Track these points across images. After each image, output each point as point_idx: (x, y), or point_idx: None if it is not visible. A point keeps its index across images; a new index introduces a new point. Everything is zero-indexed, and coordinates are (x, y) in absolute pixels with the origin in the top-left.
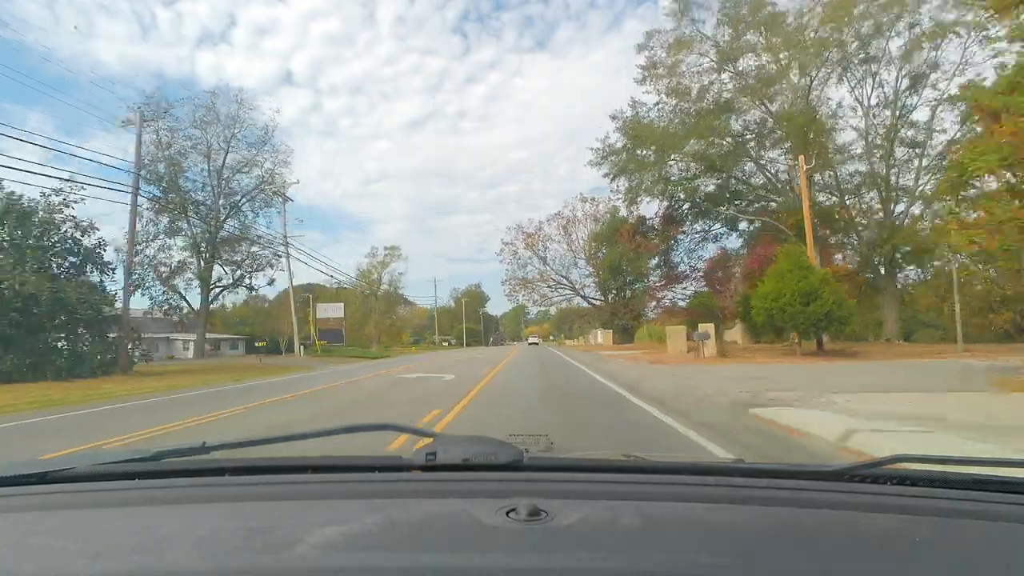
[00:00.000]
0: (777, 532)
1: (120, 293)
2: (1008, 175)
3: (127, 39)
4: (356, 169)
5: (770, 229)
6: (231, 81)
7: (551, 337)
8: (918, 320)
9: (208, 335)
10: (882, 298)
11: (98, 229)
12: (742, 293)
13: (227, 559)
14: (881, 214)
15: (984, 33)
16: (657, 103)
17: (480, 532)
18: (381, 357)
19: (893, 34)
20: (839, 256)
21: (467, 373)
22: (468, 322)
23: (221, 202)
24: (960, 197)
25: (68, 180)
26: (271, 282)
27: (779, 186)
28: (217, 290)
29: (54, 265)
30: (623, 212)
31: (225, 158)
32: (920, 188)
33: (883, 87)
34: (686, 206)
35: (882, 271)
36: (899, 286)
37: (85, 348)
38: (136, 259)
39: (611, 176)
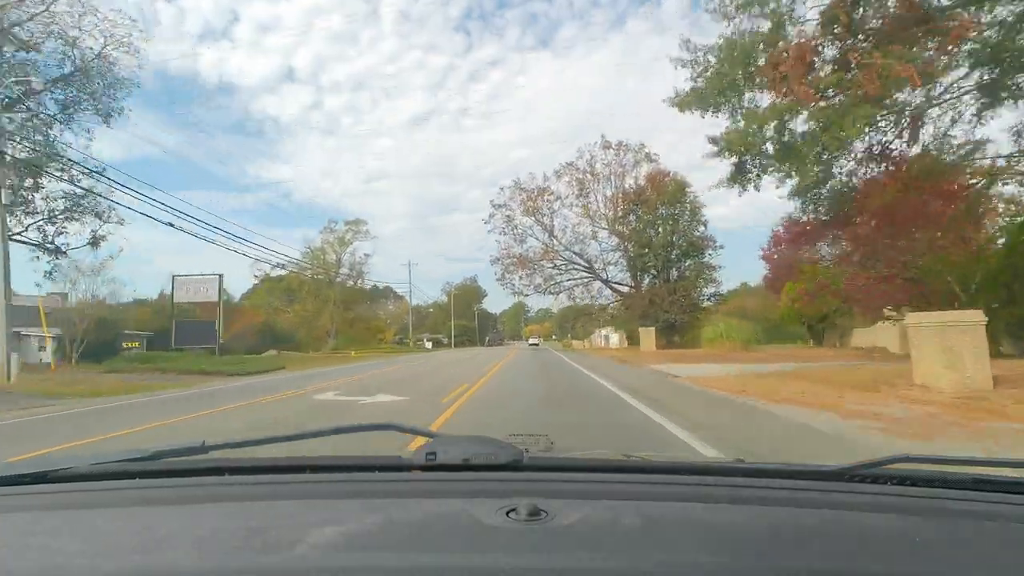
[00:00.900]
0: (777, 532)
1: None
2: None
3: None
4: (357, 167)
5: None
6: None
7: (552, 337)
8: None
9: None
10: None
11: None
12: None
13: (227, 559)
14: None
15: None
16: None
17: (480, 532)
18: (271, 370)
19: None
20: None
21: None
22: (463, 319)
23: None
24: None
25: None
26: (95, 240)
27: None
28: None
29: None
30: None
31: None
32: None
33: None
34: None
35: None
36: None
37: None
38: None
39: None
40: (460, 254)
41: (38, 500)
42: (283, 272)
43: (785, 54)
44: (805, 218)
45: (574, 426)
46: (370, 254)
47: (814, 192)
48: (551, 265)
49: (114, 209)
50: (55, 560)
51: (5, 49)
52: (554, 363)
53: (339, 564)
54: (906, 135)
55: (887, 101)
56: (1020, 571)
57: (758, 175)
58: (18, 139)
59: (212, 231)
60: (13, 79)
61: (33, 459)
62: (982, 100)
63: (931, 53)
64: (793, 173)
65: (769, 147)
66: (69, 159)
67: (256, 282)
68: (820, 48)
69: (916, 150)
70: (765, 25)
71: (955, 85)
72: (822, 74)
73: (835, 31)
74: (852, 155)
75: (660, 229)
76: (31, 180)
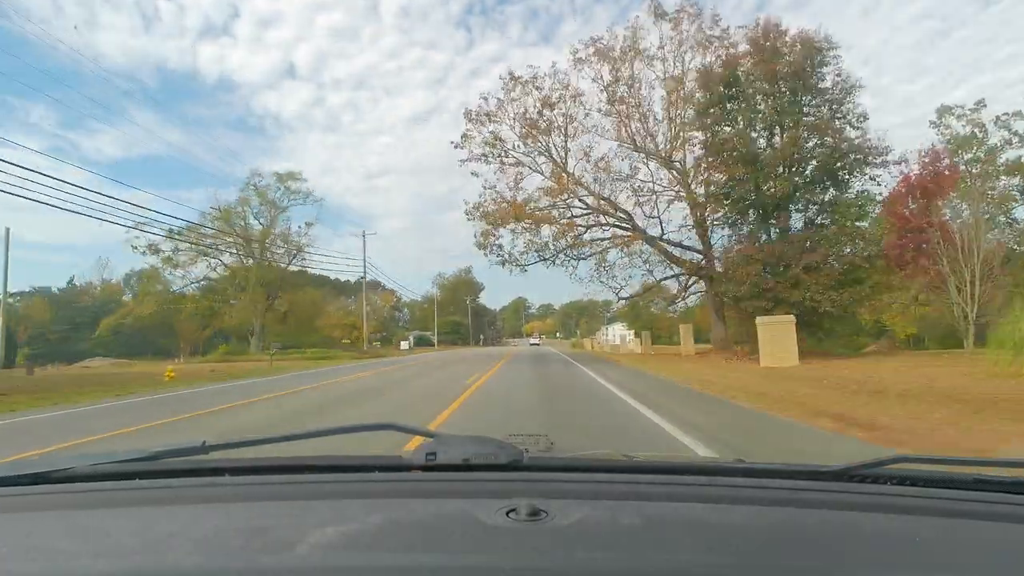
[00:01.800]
0: (777, 532)
1: None
2: None
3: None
4: (358, 164)
5: None
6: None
7: (557, 335)
8: None
9: None
10: None
11: None
12: None
13: (227, 559)
14: None
15: None
16: None
17: (480, 532)
18: None
19: None
20: None
21: None
22: (456, 315)
23: None
24: None
25: None
26: None
27: None
28: None
29: None
30: None
31: None
32: None
33: None
34: None
35: None
36: None
37: None
38: None
39: None
40: (460, 251)
41: (38, 500)
42: (182, 245)
43: None
44: None
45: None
46: (312, 223)
47: None
48: (567, 201)
49: None
50: (55, 560)
51: None
52: (567, 386)
53: (339, 564)
54: None
55: None
56: (1020, 571)
57: None
58: None
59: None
60: None
61: (33, 459)
62: None
63: None
64: None
65: None
66: None
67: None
68: None
69: None
70: None
71: None
72: None
73: None
74: None
75: (778, 128)
76: None
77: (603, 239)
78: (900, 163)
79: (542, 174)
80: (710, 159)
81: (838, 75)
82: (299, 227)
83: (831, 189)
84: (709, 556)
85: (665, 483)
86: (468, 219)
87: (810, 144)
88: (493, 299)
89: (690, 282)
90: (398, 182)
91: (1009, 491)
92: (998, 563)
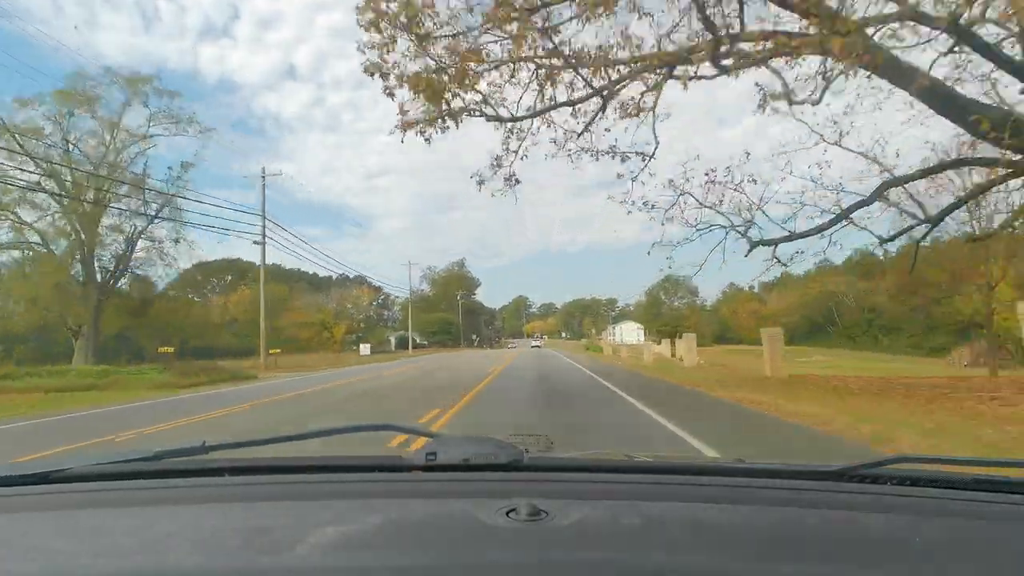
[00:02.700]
0: (777, 532)
1: None
2: None
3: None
4: (358, 164)
5: None
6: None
7: (563, 335)
8: None
9: None
10: None
11: None
12: None
13: (227, 559)
14: None
15: None
16: None
17: (480, 532)
18: None
19: None
20: None
21: None
22: (451, 312)
23: None
24: None
25: None
26: None
27: None
28: None
29: None
30: None
31: None
32: None
33: None
34: None
35: None
36: None
37: None
38: None
39: None
40: (460, 250)
41: (39, 500)
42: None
43: None
44: None
45: None
46: (191, 164)
47: None
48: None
49: None
50: (56, 560)
51: None
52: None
53: (339, 564)
54: None
55: None
56: (1020, 571)
57: None
58: None
59: None
60: None
61: (35, 460)
62: None
63: None
64: None
65: None
66: None
67: None
68: None
69: None
70: None
71: None
72: None
73: None
74: None
75: None
76: None
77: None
78: None
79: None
80: None
81: None
82: (171, 169)
83: None
84: (709, 556)
85: (665, 483)
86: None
87: None
88: (494, 299)
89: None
90: (397, 182)
91: (1009, 491)
92: (998, 563)
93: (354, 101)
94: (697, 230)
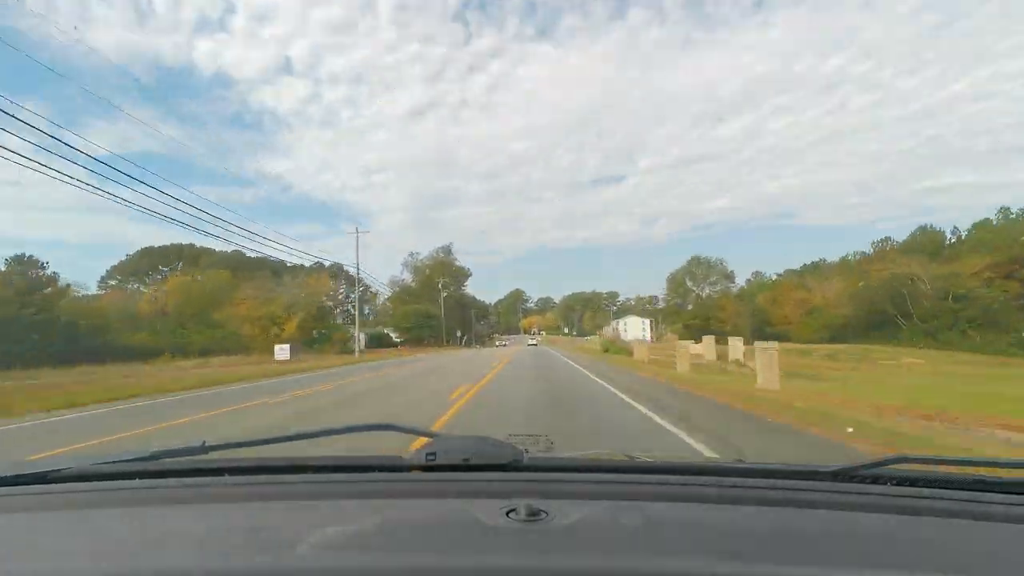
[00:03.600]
0: (776, 532)
1: None
2: None
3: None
4: (356, 160)
5: None
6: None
7: (565, 331)
8: None
9: None
10: None
11: None
12: None
13: (227, 559)
14: None
15: None
16: None
17: (480, 532)
18: None
19: None
20: None
21: None
22: (431, 306)
23: None
24: None
25: None
26: None
27: None
28: None
29: None
30: None
31: None
32: None
33: None
34: None
35: None
36: None
37: None
38: None
39: None
40: (458, 247)
41: (38, 500)
42: None
43: None
44: None
45: None
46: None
47: None
48: None
49: None
50: (56, 560)
51: None
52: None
53: (339, 564)
54: None
55: None
56: (1019, 571)
57: None
58: None
59: None
60: None
61: (35, 460)
62: None
63: None
64: None
65: None
66: None
67: None
68: None
69: None
70: None
71: None
72: None
73: None
74: None
75: None
76: None
77: None
78: None
79: None
80: None
81: None
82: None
83: None
84: (709, 556)
85: (665, 483)
86: None
87: None
88: (489, 294)
89: None
90: (396, 178)
91: (1008, 491)
92: (998, 563)
93: (351, 95)
94: None
